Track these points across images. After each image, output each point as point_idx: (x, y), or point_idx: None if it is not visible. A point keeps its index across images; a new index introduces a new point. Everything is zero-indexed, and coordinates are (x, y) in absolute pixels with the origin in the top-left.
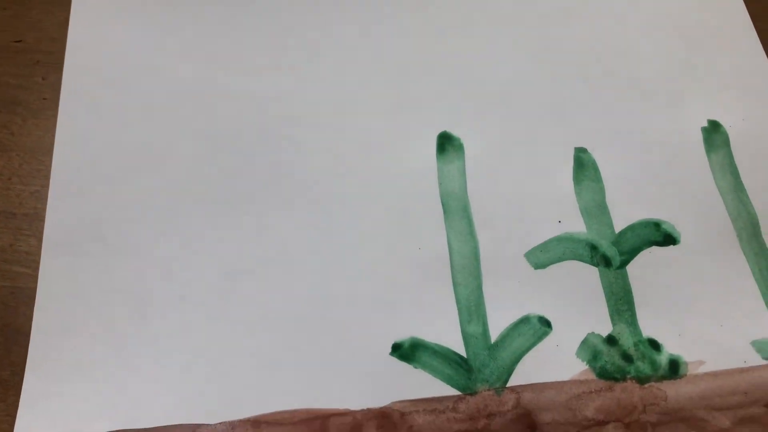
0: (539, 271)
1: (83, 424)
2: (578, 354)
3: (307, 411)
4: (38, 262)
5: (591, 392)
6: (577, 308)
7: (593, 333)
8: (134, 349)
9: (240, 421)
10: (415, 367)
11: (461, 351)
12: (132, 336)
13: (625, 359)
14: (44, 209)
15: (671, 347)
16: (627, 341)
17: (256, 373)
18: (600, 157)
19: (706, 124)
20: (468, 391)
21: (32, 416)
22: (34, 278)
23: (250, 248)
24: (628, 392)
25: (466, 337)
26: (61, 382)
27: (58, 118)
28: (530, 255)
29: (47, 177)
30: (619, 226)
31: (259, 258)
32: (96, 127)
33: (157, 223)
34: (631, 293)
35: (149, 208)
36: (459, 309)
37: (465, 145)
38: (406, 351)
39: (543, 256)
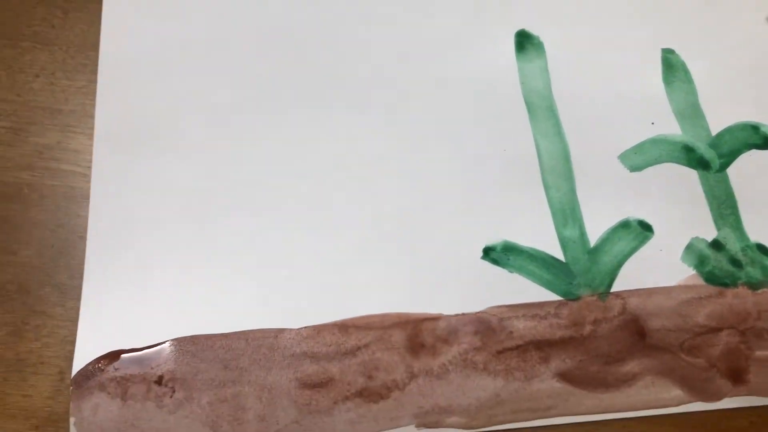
0: (635, 174)
1: (149, 330)
2: (683, 259)
3: (398, 315)
4: (89, 161)
5: (701, 298)
6: (678, 212)
7: (697, 238)
8: (201, 252)
9: (326, 325)
10: (511, 272)
11: (559, 255)
12: (197, 238)
13: (734, 264)
14: (92, 105)
15: None
16: (734, 246)
17: (343, 278)
18: (688, 58)
19: None
20: (570, 296)
21: (94, 322)
22: (86, 178)
23: (326, 149)
24: (741, 298)
25: (563, 241)
26: (122, 287)
27: (102, 10)
28: (624, 157)
29: (94, 72)
30: (714, 128)
31: (337, 160)
32: (144, 19)
33: (218, 120)
34: (734, 197)
35: (209, 104)
36: (553, 212)
37: (545, 45)
38: (499, 255)
39: (638, 158)
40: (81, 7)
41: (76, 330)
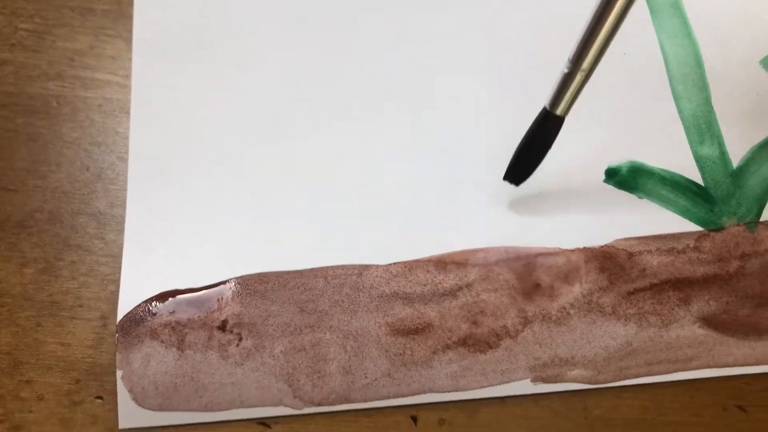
0: None
1: (206, 268)
2: None
3: (506, 250)
4: (128, 69)
5: None
6: None
7: None
8: (266, 176)
9: (419, 261)
10: (640, 197)
11: (696, 178)
12: (263, 158)
13: None
14: (129, 4)
15: None
16: None
17: (436, 206)
18: None
19: None
20: (711, 226)
21: (141, 258)
22: (124, 88)
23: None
24: None
25: (700, 161)
26: (173, 216)
27: None
28: (767, 62)
29: None
30: None
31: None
32: None
33: (266, 32)
34: None
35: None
36: (686, 127)
37: None
38: (625, 177)
39: None
40: None
41: (119, 267)
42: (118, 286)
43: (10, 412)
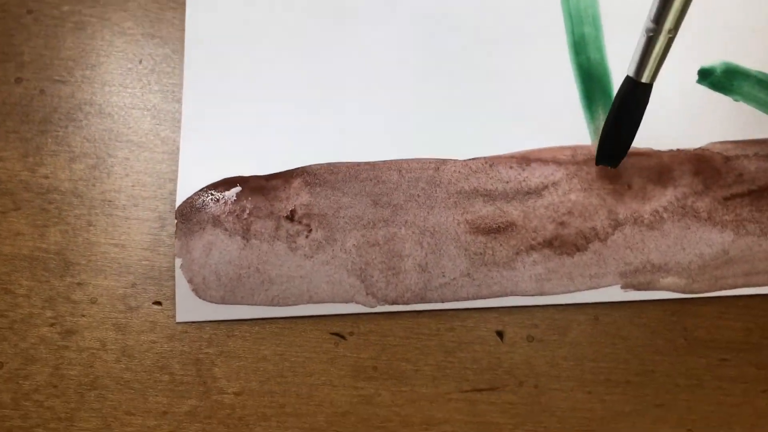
0: None
1: (271, 156)
2: None
3: (592, 149)
4: None
5: None
6: None
7: None
8: (334, 61)
9: (501, 156)
10: (736, 100)
11: None
12: (330, 42)
13: None
14: None
15: None
16: None
17: (519, 102)
18: None
19: None
20: None
21: (200, 144)
22: None
23: None
24: None
25: None
26: (233, 100)
27: None
28: None
29: None
30: None
31: None
32: None
33: None
34: None
35: None
36: None
37: None
38: (719, 78)
39: None
40: None
41: (176, 165)
42: (176, 185)
43: (61, 315)
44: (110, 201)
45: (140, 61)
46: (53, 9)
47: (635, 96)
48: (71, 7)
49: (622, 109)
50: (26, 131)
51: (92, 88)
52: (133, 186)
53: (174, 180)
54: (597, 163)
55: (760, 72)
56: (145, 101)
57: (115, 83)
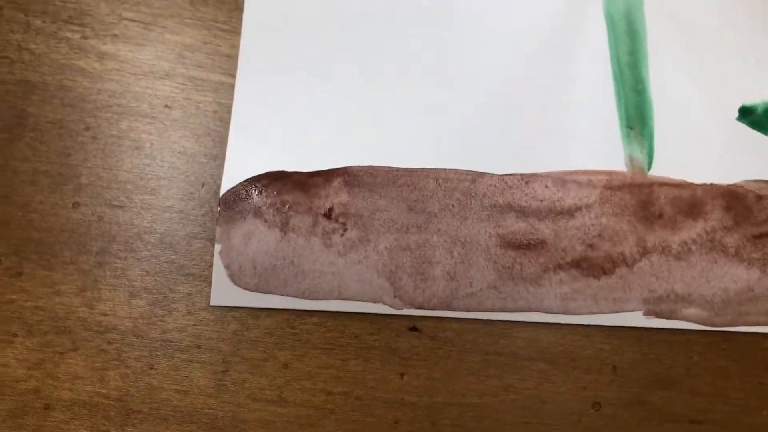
0: None
1: (313, 154)
2: None
3: (632, 174)
4: None
5: None
6: None
7: None
8: (380, 66)
9: (538, 175)
10: None
11: None
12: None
13: None
14: None
15: None
16: None
17: (561, 122)
18: None
19: None
20: None
21: (249, 134)
22: None
23: None
24: None
25: None
26: (282, 95)
27: None
28: None
29: None
30: None
31: None
32: None
33: None
34: None
35: None
36: None
37: None
38: (760, 117)
39: None
40: None
41: (224, 145)
42: (241, 324)
43: None
44: (171, 342)
45: (203, 185)
46: (111, 126)
47: None
48: (129, 124)
49: None
50: (84, 262)
51: (152, 215)
52: (195, 325)
53: (238, 318)
54: None
55: None
56: (209, 230)
57: (175, 209)
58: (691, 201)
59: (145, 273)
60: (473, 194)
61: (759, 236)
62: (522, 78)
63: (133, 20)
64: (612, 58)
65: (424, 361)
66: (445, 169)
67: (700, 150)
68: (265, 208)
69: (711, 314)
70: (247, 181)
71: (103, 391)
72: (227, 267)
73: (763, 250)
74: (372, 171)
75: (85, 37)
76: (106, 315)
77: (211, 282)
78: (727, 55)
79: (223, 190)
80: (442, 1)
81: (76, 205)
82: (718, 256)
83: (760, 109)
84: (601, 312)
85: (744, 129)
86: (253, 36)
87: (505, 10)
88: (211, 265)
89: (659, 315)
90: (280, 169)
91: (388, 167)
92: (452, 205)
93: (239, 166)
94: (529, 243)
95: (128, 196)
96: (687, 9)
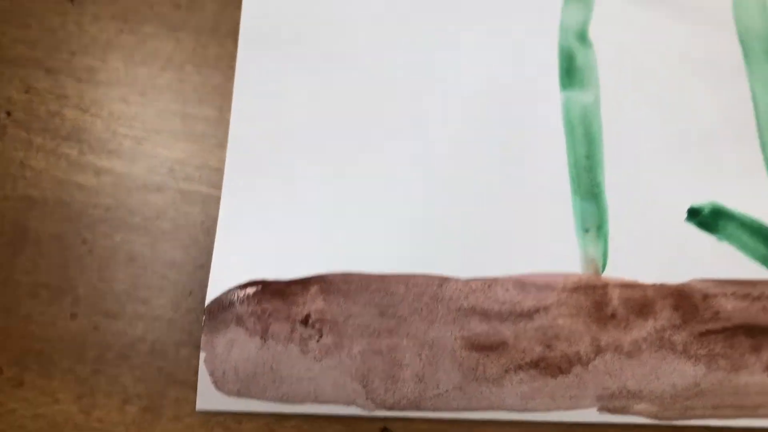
0: None
1: (291, 263)
2: None
3: (587, 277)
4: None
5: None
6: None
7: None
8: (357, 179)
9: (499, 279)
10: (720, 240)
11: None
12: (354, 161)
13: None
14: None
15: None
16: None
17: (520, 227)
18: None
19: None
20: None
21: (232, 244)
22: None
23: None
24: None
25: None
26: (265, 207)
27: None
28: None
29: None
30: None
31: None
32: None
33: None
34: None
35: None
36: None
37: None
38: (707, 219)
39: None
40: None
41: (210, 255)
42: (224, 428)
43: None
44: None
45: (190, 293)
46: (106, 239)
47: None
48: (123, 236)
49: None
50: (81, 370)
51: (144, 324)
52: (183, 430)
53: (224, 423)
54: None
55: (744, 215)
56: (195, 338)
57: (165, 318)
58: (642, 301)
59: (137, 380)
60: (440, 298)
61: (705, 333)
62: (484, 182)
63: (126, 135)
64: (569, 161)
65: None
66: (414, 274)
67: (652, 250)
68: (246, 316)
69: (660, 409)
70: (230, 290)
71: None
72: (211, 374)
73: (708, 346)
74: (347, 278)
75: (82, 153)
76: (101, 421)
77: (196, 388)
78: (677, 160)
79: (208, 299)
80: (412, 112)
81: (73, 315)
82: (667, 354)
83: (706, 210)
84: (559, 408)
85: (692, 229)
86: (239, 151)
87: (467, 117)
88: (197, 372)
89: (612, 411)
90: (262, 278)
91: (362, 274)
92: (421, 309)
93: (223, 276)
94: (492, 345)
95: (122, 306)
96: (641, 113)
